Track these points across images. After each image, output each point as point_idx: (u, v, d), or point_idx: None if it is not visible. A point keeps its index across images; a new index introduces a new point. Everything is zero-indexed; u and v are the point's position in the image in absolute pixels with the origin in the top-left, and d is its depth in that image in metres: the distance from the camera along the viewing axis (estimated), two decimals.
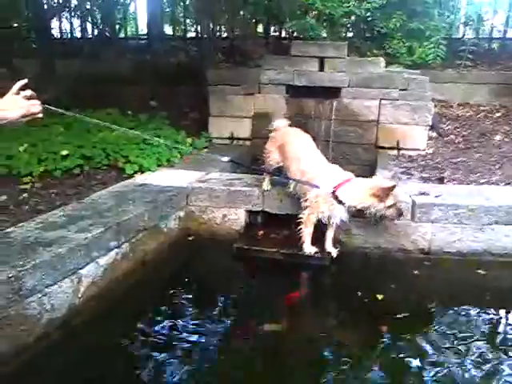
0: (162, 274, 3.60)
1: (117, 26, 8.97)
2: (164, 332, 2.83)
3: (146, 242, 3.58)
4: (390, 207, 3.33)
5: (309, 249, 3.64)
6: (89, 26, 9.13)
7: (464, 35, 7.71)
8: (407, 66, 6.56)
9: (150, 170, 4.58)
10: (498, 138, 5.66)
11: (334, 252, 3.67)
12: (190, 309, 3.13)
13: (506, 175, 4.58)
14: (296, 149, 3.76)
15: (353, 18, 7.39)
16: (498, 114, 6.34)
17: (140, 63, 7.47)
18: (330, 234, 3.69)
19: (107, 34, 8.82)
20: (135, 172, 4.54)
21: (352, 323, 3.04)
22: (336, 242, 3.76)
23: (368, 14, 7.20)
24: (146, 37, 8.64)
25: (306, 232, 3.60)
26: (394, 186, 3.28)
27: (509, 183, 4.40)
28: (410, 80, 5.48)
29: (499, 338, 2.82)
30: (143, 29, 9.13)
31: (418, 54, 6.79)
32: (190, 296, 3.29)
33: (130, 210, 3.49)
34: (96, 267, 3.04)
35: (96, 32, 8.91)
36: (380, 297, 3.20)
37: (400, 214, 3.43)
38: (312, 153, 3.73)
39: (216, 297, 3.30)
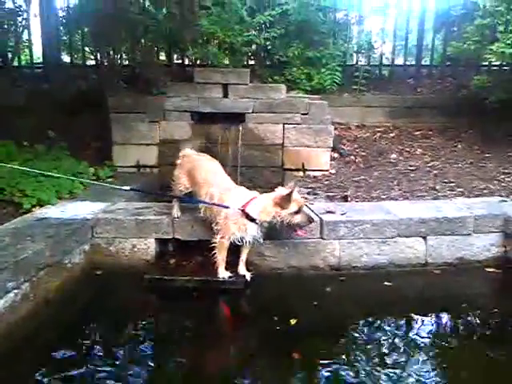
0: (67, 313, 3.33)
1: (9, 54, 8.46)
2: (72, 378, 2.60)
3: (49, 279, 3.34)
4: (296, 213, 3.39)
5: (223, 274, 3.59)
6: None
7: (357, 62, 8.22)
8: (307, 92, 6.87)
9: (49, 204, 4.30)
10: (393, 156, 6.06)
11: (248, 275, 3.65)
12: (99, 350, 2.89)
13: (403, 190, 4.89)
14: (204, 174, 3.77)
15: (253, 46, 7.59)
16: (392, 134, 6.81)
17: (36, 92, 7.10)
18: (243, 257, 3.68)
19: None
20: (33, 206, 4.25)
21: (265, 351, 2.96)
22: (249, 264, 3.75)
23: (268, 42, 7.46)
24: (42, 65, 8.24)
25: (220, 257, 3.56)
26: (291, 192, 3.34)
27: (407, 198, 4.69)
28: (311, 105, 5.72)
29: (407, 345, 2.92)
30: (39, 57, 8.71)
31: (317, 80, 7.13)
32: (99, 336, 3.06)
33: (28, 247, 3.25)
34: None
35: None
36: (293, 321, 3.17)
37: (310, 219, 3.48)
38: (219, 177, 3.76)
39: (127, 333, 3.10)
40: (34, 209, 4.21)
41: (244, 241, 3.52)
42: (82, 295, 3.59)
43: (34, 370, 2.63)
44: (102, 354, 2.84)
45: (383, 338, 3.01)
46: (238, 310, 3.55)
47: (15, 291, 2.96)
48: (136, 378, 2.63)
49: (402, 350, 2.87)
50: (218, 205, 3.50)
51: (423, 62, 8.50)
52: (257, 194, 3.55)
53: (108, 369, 2.68)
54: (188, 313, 3.39)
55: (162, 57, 8.11)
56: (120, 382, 2.57)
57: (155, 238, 3.96)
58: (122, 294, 3.70)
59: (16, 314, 2.96)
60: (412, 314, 3.30)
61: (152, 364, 2.77)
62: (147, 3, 7.57)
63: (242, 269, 3.68)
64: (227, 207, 3.44)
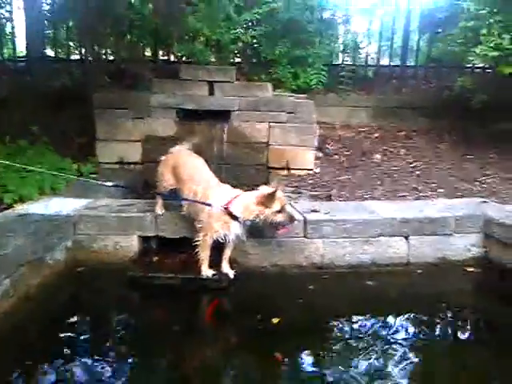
0: (47, 310, 3.28)
1: None
2: (52, 375, 2.58)
3: (30, 276, 3.30)
4: (278, 212, 3.37)
5: (206, 272, 3.59)
6: None
7: (343, 62, 8.25)
8: (292, 91, 6.86)
9: (31, 199, 4.25)
10: (377, 156, 6.10)
11: (231, 273, 3.66)
12: (79, 347, 2.88)
13: (386, 190, 4.94)
14: (188, 171, 3.75)
15: (240, 44, 7.58)
16: (376, 135, 6.86)
17: (19, 86, 6.99)
18: (226, 255, 3.68)
19: None
20: (15, 202, 4.21)
21: (247, 352, 2.94)
22: (233, 262, 3.75)
23: (254, 40, 7.45)
24: (25, 58, 8.11)
25: (203, 255, 3.55)
26: (275, 191, 3.33)
27: (389, 197, 4.74)
28: (297, 104, 5.74)
29: (388, 343, 2.95)
30: (23, 50, 8.60)
31: (303, 79, 7.13)
32: (79, 333, 3.03)
33: (9, 243, 3.22)
34: None
35: None
36: (275, 321, 3.16)
37: (292, 219, 3.46)
38: (204, 174, 3.74)
39: (108, 331, 3.10)
40: (15, 204, 4.17)
41: (227, 239, 3.51)
42: (63, 292, 3.55)
43: (11, 366, 2.61)
44: (81, 350, 2.83)
45: (365, 336, 3.04)
46: (220, 308, 3.54)
47: None
48: (115, 374, 2.61)
49: (383, 347, 2.90)
50: (201, 202, 3.49)
51: (408, 63, 8.56)
52: (240, 192, 3.55)
53: (86, 365, 2.66)
54: (170, 311, 3.38)
55: (148, 53, 8.06)
56: (99, 378, 2.55)
57: (138, 236, 3.94)
58: (104, 291, 3.68)
59: None
60: (393, 313, 3.35)
61: (131, 360, 2.76)
62: None
63: (225, 267, 3.68)
64: (210, 205, 3.44)
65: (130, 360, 2.77)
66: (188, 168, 3.78)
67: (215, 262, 3.65)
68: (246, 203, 3.41)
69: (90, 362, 2.70)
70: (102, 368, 2.64)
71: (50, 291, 3.43)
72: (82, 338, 2.98)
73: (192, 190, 3.61)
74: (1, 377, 2.54)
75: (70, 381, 2.53)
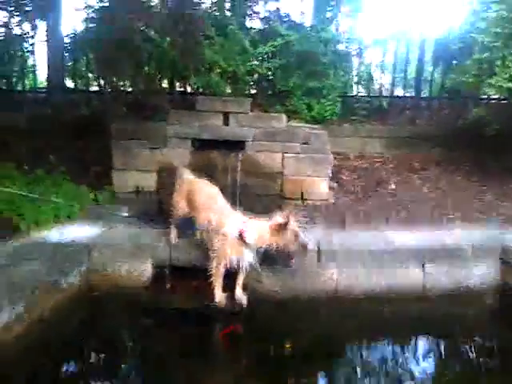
0: (61, 334, 3.30)
1: (14, 79, 8.60)
2: None
3: (44, 300, 3.33)
4: (291, 241, 3.39)
5: (220, 298, 3.59)
6: None
7: (357, 93, 8.32)
8: (307, 122, 6.92)
9: (47, 227, 4.31)
10: (392, 186, 6.08)
11: (245, 299, 3.65)
12: (89, 372, 2.88)
13: (401, 221, 4.90)
14: (203, 199, 3.80)
15: (255, 76, 7.71)
16: (390, 165, 6.84)
17: (39, 116, 7.17)
18: (239, 282, 3.69)
19: (3, 87, 8.44)
20: (31, 229, 4.25)
21: (260, 379, 2.92)
22: (246, 288, 3.74)
23: (270, 72, 7.58)
24: (45, 89, 8.35)
25: (216, 281, 3.57)
26: (288, 220, 3.35)
27: (405, 228, 4.69)
28: (311, 134, 5.76)
29: (401, 372, 2.91)
30: (43, 81, 8.86)
31: (317, 110, 7.20)
32: (91, 357, 3.04)
33: (24, 269, 3.27)
34: None
35: None
36: (288, 346, 3.15)
37: (305, 247, 3.49)
38: (218, 202, 3.77)
39: (121, 357, 3.09)
40: (31, 231, 4.22)
41: (240, 266, 3.52)
42: (76, 316, 3.57)
43: None
44: (92, 375, 2.82)
45: (380, 363, 3.01)
46: (234, 335, 3.52)
47: (10, 311, 2.95)
48: None
49: (398, 374, 2.87)
50: (215, 230, 3.51)
51: (422, 94, 8.61)
52: (254, 220, 3.56)
53: None
54: (183, 337, 3.38)
55: (165, 84, 8.22)
56: None
57: (152, 263, 3.95)
58: (117, 316, 3.69)
59: (10, 333, 2.95)
60: (409, 341, 3.32)
61: None
62: (152, 32, 7.71)
63: (238, 293, 3.68)
64: (224, 233, 3.45)
65: None
66: (202, 196, 3.82)
67: (228, 288, 3.64)
68: (260, 231, 3.43)
69: None
70: None
71: (63, 315, 3.46)
72: (93, 362, 2.97)
73: (206, 218, 3.64)
74: None
75: None
